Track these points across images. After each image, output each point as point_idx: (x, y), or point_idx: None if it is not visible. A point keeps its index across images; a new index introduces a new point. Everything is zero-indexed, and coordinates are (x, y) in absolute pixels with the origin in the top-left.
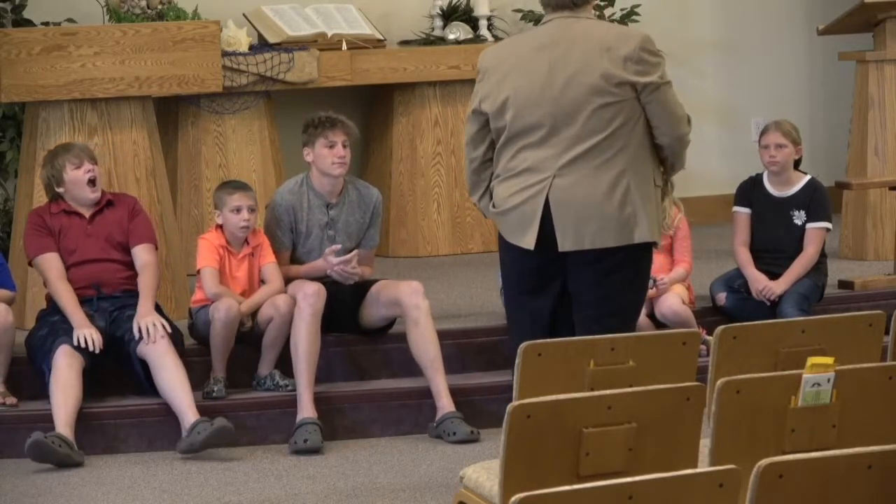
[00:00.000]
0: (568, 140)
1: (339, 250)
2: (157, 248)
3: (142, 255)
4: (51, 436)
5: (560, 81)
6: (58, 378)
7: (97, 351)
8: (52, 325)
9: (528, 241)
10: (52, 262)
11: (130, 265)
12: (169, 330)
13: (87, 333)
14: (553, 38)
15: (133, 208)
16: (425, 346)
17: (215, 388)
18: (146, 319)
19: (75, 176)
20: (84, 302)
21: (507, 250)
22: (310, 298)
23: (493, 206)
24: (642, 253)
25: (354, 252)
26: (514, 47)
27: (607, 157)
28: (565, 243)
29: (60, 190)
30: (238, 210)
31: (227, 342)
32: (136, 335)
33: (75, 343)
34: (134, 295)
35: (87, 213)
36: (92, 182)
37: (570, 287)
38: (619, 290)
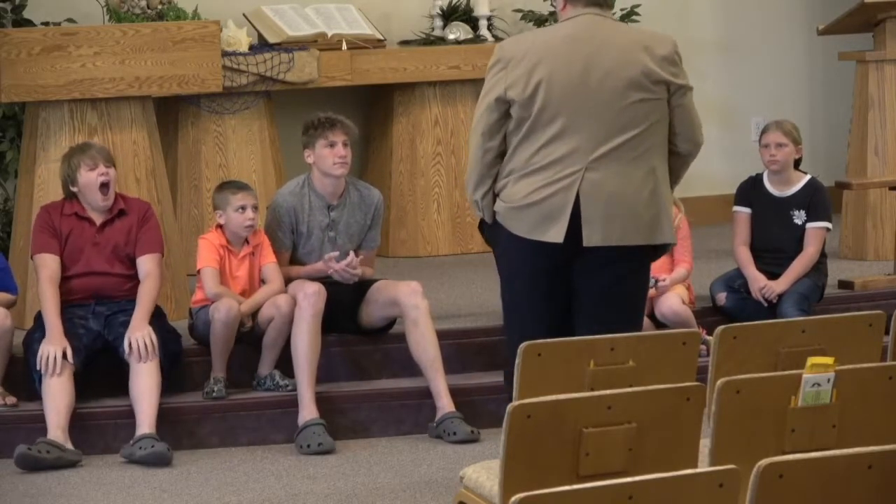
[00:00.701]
0: (601, 133)
1: (338, 256)
2: (163, 257)
3: (145, 264)
4: (38, 444)
5: (597, 74)
6: (49, 383)
7: (56, 371)
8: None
9: (556, 234)
10: (48, 263)
11: (134, 276)
12: (156, 354)
13: (51, 351)
14: (588, 32)
15: (143, 216)
16: (425, 347)
17: (215, 389)
18: (138, 335)
19: (88, 178)
20: (81, 306)
21: (518, 248)
22: (311, 298)
23: (504, 202)
24: (654, 254)
25: (354, 255)
26: (541, 37)
27: (639, 153)
28: (592, 238)
29: (75, 189)
30: (243, 209)
31: (227, 342)
32: (126, 350)
33: (37, 367)
34: (133, 302)
35: (98, 220)
36: (104, 186)
37: (580, 285)
38: (631, 292)
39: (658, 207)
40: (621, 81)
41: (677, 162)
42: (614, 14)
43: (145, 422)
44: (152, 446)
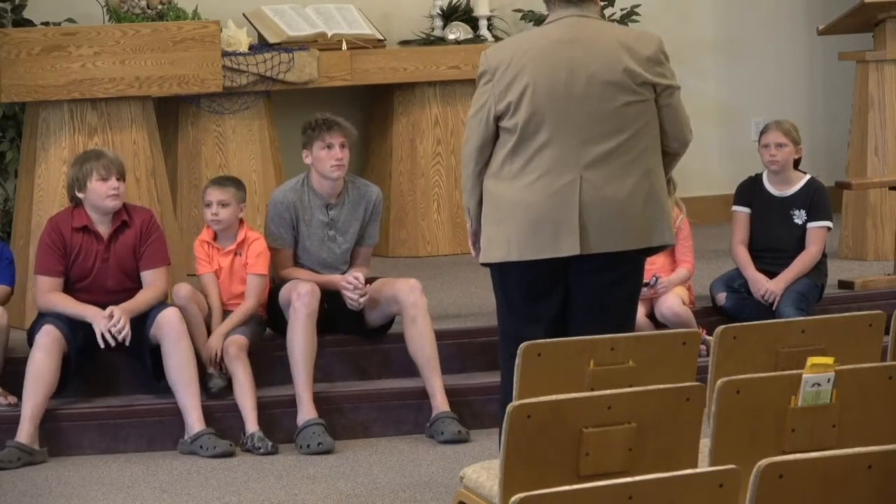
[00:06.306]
0: (590, 138)
1: (355, 282)
2: (169, 264)
3: (150, 277)
4: (10, 451)
5: (583, 78)
6: (34, 365)
7: (123, 338)
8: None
9: (570, 247)
10: (49, 285)
11: (140, 287)
12: (119, 339)
13: (103, 325)
14: (571, 35)
15: (147, 227)
16: (422, 344)
17: (212, 383)
18: (119, 311)
19: (98, 187)
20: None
21: (515, 265)
22: (304, 298)
23: (496, 209)
24: (649, 253)
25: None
26: (525, 44)
27: (633, 156)
28: (591, 245)
29: (81, 195)
30: (209, 205)
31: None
32: (102, 323)
33: (102, 345)
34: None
35: (104, 234)
36: (113, 197)
37: (575, 288)
38: (626, 295)
39: (655, 210)
40: (606, 85)
41: (665, 160)
42: (613, 15)
43: (193, 413)
44: (215, 447)
